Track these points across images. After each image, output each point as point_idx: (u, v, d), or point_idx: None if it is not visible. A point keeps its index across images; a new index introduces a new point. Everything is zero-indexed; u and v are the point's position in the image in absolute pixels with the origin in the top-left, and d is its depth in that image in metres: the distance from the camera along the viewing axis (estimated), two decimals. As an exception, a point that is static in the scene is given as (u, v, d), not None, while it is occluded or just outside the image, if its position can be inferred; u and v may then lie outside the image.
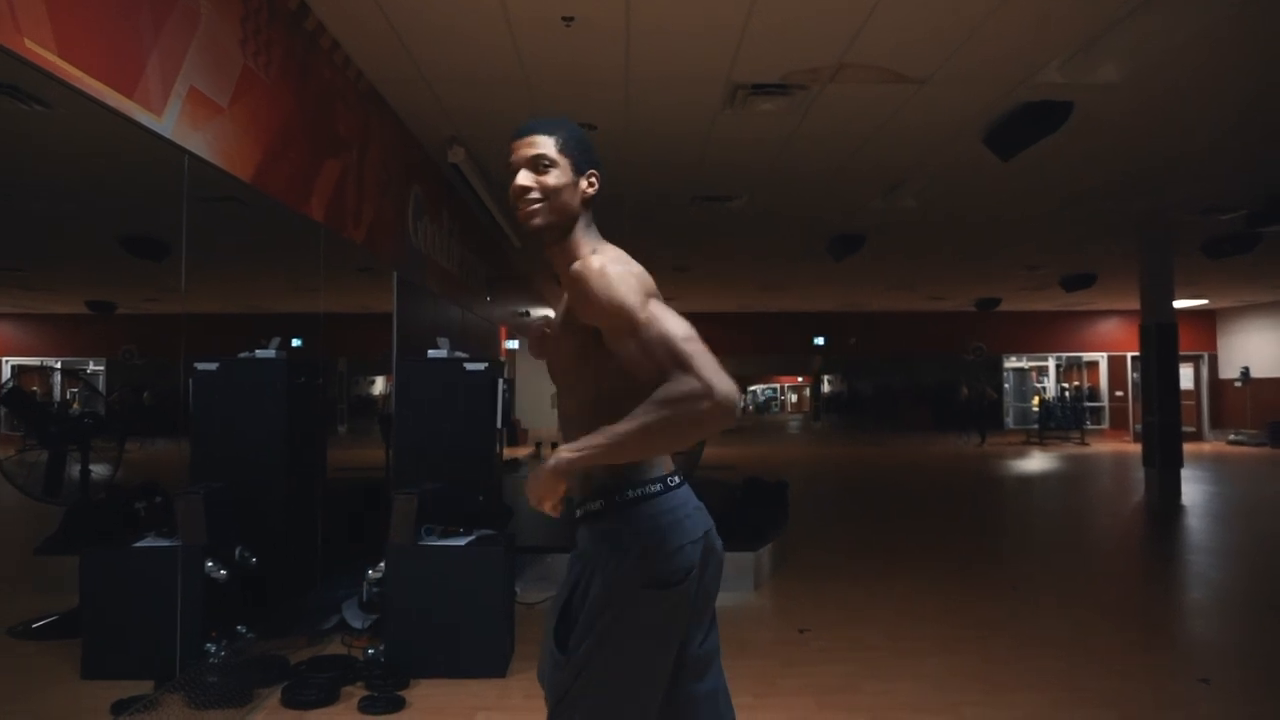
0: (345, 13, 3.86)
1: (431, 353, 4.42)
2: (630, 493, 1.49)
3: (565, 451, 1.39)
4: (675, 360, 1.35)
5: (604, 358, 1.47)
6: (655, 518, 1.48)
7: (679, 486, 1.54)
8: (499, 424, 4.38)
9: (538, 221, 1.55)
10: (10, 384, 4.60)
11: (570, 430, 1.57)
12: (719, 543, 1.57)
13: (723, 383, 1.32)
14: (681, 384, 1.32)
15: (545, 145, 1.56)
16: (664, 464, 1.55)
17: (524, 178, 1.55)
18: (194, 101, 2.78)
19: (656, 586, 1.46)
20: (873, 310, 17.98)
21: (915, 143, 5.90)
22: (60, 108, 4.06)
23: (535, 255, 10.79)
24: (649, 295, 1.43)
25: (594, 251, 1.52)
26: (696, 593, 1.50)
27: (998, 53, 4.31)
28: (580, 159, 1.61)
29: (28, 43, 1.99)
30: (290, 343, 4.90)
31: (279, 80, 3.47)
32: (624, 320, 1.40)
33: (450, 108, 5.20)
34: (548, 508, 1.45)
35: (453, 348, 4.57)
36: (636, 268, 1.48)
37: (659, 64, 4.50)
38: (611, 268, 1.44)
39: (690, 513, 1.53)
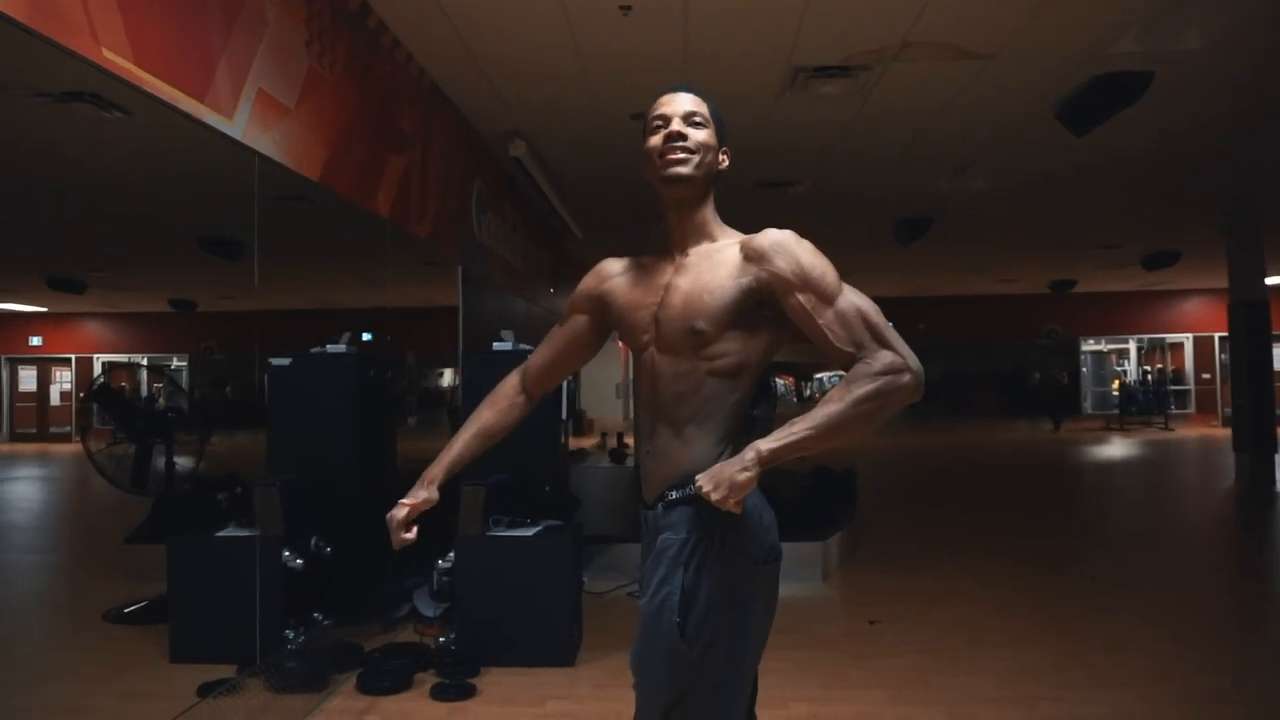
0: (405, 11, 3.91)
1: (496, 345, 4.47)
2: None
3: (765, 444, 1.36)
4: (874, 334, 1.38)
5: (764, 340, 1.50)
6: (749, 497, 1.45)
7: None
8: (564, 415, 4.41)
9: (686, 170, 1.54)
10: (101, 380, 4.81)
11: (694, 422, 1.51)
12: None
13: (914, 357, 1.36)
14: (883, 358, 1.35)
15: (699, 105, 1.59)
16: None
17: (679, 124, 1.56)
18: (262, 103, 2.85)
19: (768, 561, 1.50)
20: (942, 295, 17.55)
21: (983, 121, 5.71)
22: (138, 114, 4.21)
23: (598, 246, 10.83)
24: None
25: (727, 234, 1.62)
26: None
27: (1069, 23, 4.14)
28: (722, 131, 1.62)
29: (105, 52, 2.06)
30: (360, 337, 5.02)
31: (343, 79, 3.54)
32: (828, 286, 1.43)
33: (510, 102, 5.23)
34: (732, 504, 1.37)
35: (517, 340, 4.61)
36: None
37: (718, 49, 4.45)
38: (806, 242, 1.49)
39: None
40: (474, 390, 4.38)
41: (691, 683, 1.44)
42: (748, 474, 1.35)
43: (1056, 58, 4.57)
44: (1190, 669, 3.41)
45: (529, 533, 3.68)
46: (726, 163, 1.62)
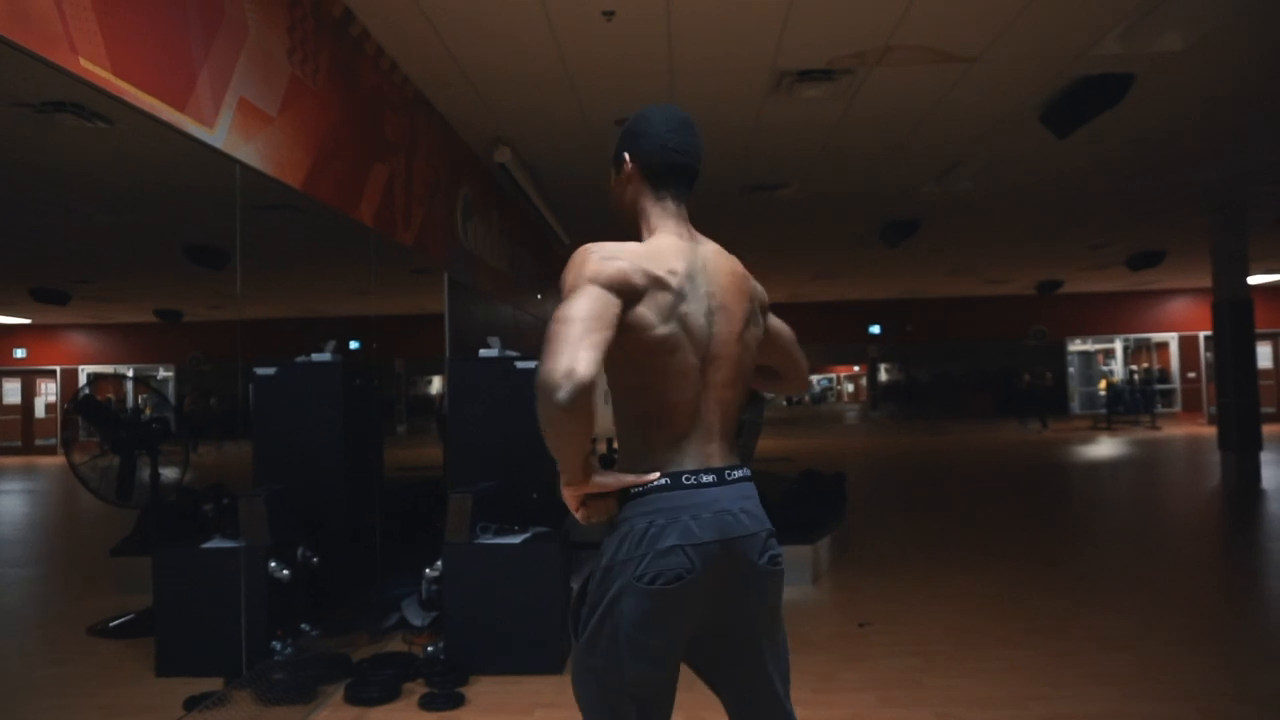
0: (389, 18, 3.90)
1: (483, 352, 4.46)
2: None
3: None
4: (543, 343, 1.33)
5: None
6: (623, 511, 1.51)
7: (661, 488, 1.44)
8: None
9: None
10: (85, 392, 4.77)
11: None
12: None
13: (550, 363, 1.26)
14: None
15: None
16: (673, 462, 1.46)
17: None
18: (244, 112, 2.84)
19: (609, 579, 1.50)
20: (929, 296, 17.63)
21: (968, 124, 5.74)
22: (120, 124, 4.19)
23: (585, 251, 10.83)
24: (588, 279, 1.36)
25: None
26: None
27: (1051, 26, 4.16)
28: (615, 156, 1.62)
29: (83, 61, 2.04)
30: (348, 345, 5.00)
31: (326, 87, 3.53)
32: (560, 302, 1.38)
33: (495, 108, 5.23)
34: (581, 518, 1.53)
35: (505, 346, 4.60)
36: (594, 258, 1.38)
37: (702, 54, 4.46)
38: (578, 254, 1.40)
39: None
40: (461, 398, 4.37)
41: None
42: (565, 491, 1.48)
43: (1039, 60, 4.60)
44: (1177, 667, 3.43)
45: (517, 540, 3.66)
46: (629, 167, 1.56)
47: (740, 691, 1.55)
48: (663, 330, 1.41)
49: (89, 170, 5.24)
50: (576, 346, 1.27)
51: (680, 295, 1.43)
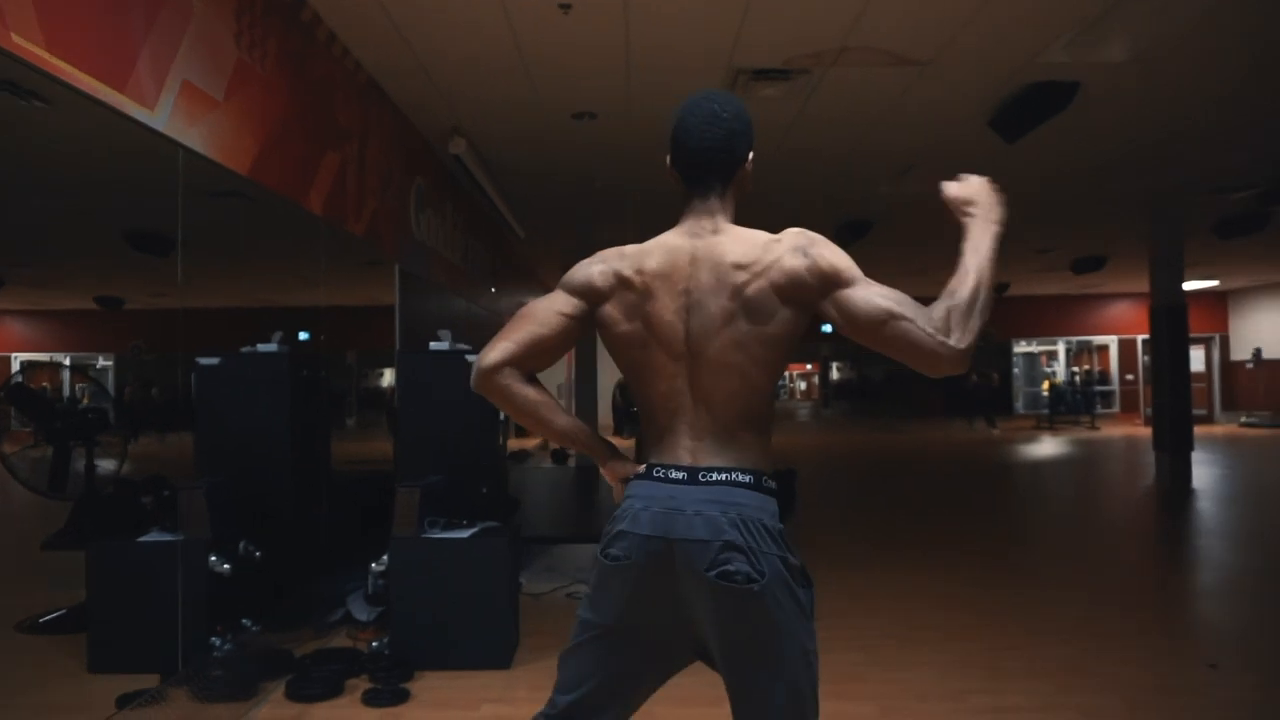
0: (340, 4, 3.83)
1: (434, 345, 4.41)
2: None
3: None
4: None
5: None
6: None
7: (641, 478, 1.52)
8: (502, 415, 4.37)
9: None
10: (15, 379, 4.61)
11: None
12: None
13: (482, 354, 1.48)
14: None
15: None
16: (654, 455, 1.52)
17: None
18: (188, 95, 2.77)
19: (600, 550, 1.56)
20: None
21: (921, 127, 5.84)
22: (58, 103, 4.05)
23: (541, 245, 10.77)
24: (560, 283, 1.57)
25: None
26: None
27: (1001, 32, 4.26)
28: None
29: (15, 37, 1.97)
30: (296, 336, 4.90)
31: (275, 73, 3.46)
32: None
33: (451, 98, 5.17)
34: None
35: (458, 340, 4.55)
36: (583, 262, 1.57)
37: (659, 50, 4.47)
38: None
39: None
40: (411, 391, 4.32)
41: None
42: None
43: (988, 66, 4.70)
44: (1107, 660, 3.54)
45: (465, 534, 3.64)
46: (668, 164, 1.62)
47: (734, 716, 1.52)
48: (626, 328, 1.50)
49: (24, 151, 5.05)
50: (500, 338, 1.50)
51: (646, 293, 1.48)
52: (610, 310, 1.51)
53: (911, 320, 1.38)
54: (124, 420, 5.79)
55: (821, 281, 1.44)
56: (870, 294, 1.44)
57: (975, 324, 1.38)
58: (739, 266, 1.45)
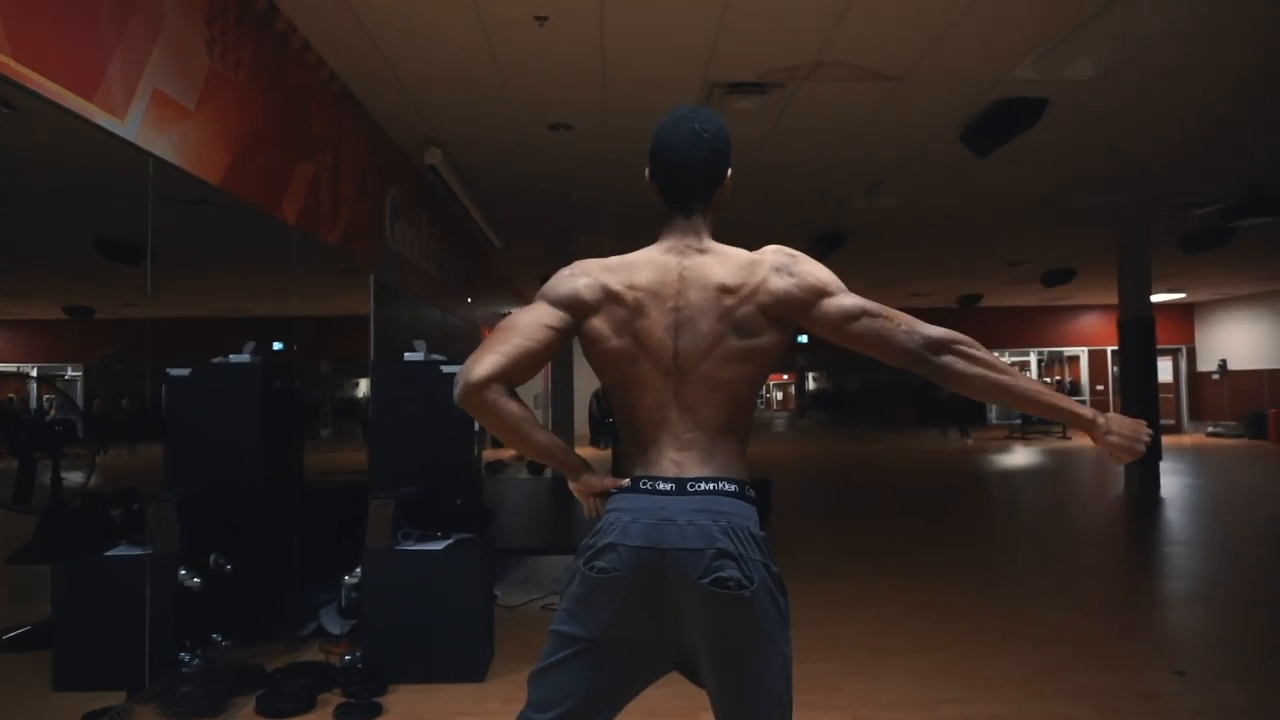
0: (315, 13, 3.82)
1: (408, 356, 4.39)
2: None
3: None
4: None
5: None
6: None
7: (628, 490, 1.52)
8: (477, 426, 4.35)
9: None
10: (-20, 391, 4.53)
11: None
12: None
13: (464, 363, 1.45)
14: None
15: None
16: (639, 468, 1.53)
17: None
18: (158, 104, 2.75)
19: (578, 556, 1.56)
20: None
21: (893, 141, 5.91)
22: (26, 110, 3.99)
23: (517, 256, 10.76)
24: (541, 294, 1.55)
25: None
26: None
27: (971, 50, 4.33)
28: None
29: (-18, 45, 1.95)
30: (270, 346, 4.85)
31: (248, 82, 3.44)
32: None
33: (426, 109, 5.16)
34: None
35: (433, 350, 4.53)
36: (564, 273, 1.56)
37: (634, 63, 4.49)
38: (562, 269, 1.58)
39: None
40: (385, 402, 4.30)
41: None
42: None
43: (959, 82, 4.77)
44: (1078, 668, 3.58)
45: (439, 546, 3.61)
46: (648, 180, 1.64)
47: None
48: (616, 343, 1.50)
49: (-8, 158, 4.98)
50: (485, 351, 1.44)
51: (637, 309, 1.50)
52: (597, 324, 1.51)
53: (889, 318, 1.51)
54: (93, 432, 5.70)
55: (812, 295, 1.52)
56: (854, 299, 1.54)
57: (971, 368, 1.52)
58: (726, 290, 1.50)
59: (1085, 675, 3.49)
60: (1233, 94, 5.08)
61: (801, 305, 1.51)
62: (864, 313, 1.50)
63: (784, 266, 1.51)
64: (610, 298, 1.50)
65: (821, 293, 1.51)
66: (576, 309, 1.50)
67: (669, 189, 1.58)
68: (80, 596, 3.36)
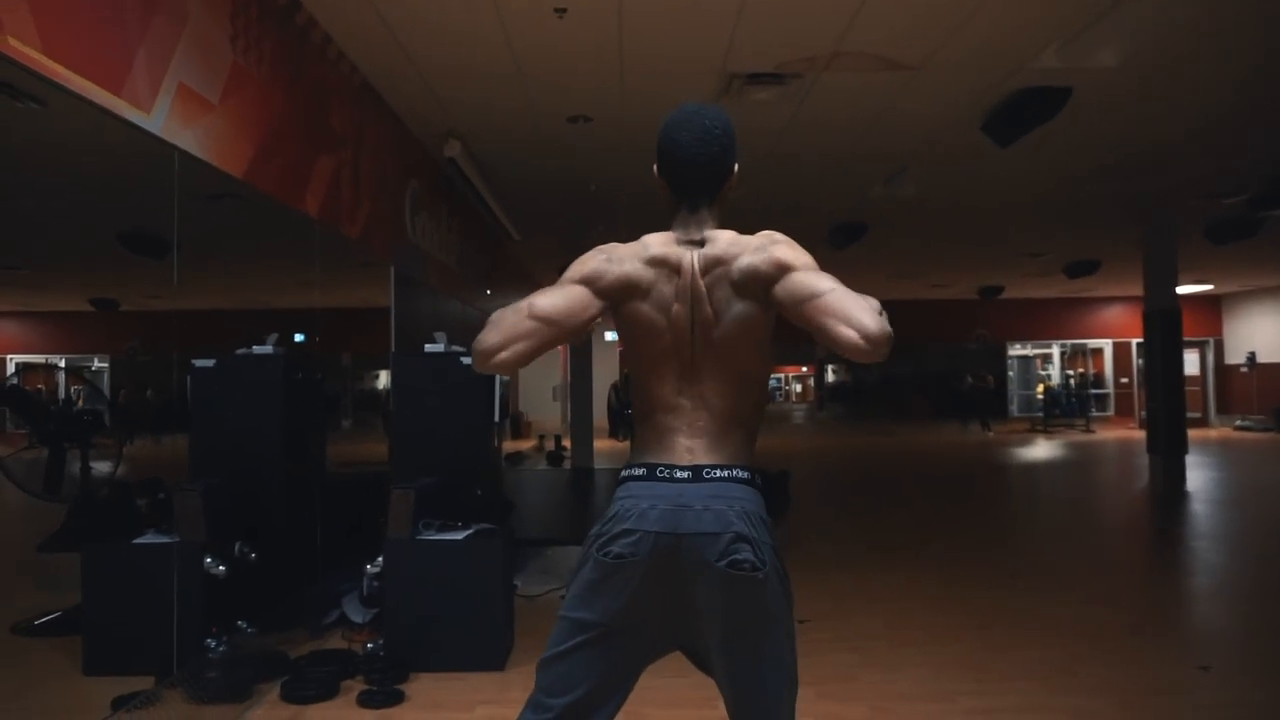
0: (335, 8, 3.85)
1: (428, 347, 4.42)
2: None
3: None
4: None
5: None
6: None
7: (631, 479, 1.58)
8: (496, 417, 4.38)
9: None
10: (10, 381, 4.62)
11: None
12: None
13: (480, 335, 1.52)
14: None
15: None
16: (652, 454, 1.57)
17: None
18: (183, 98, 2.78)
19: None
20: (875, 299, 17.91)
21: (913, 130, 5.87)
22: (54, 106, 4.05)
23: (534, 249, 10.79)
24: (566, 275, 1.58)
25: None
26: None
27: (992, 38, 4.28)
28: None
29: (11, 40, 1.99)
30: (291, 338, 4.91)
31: (270, 76, 3.47)
32: None
33: (445, 102, 5.19)
34: None
35: (452, 342, 4.57)
36: (590, 254, 1.59)
37: (653, 54, 4.49)
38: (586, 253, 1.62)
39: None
40: (405, 393, 4.33)
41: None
42: None
43: (980, 71, 4.72)
44: (1099, 661, 3.56)
45: (459, 536, 3.65)
46: (655, 176, 1.68)
47: (729, 703, 1.57)
48: (642, 329, 1.56)
49: (20, 153, 5.06)
50: (518, 335, 1.50)
51: (661, 297, 1.55)
52: (630, 309, 1.56)
53: (835, 313, 1.40)
54: (119, 422, 5.79)
55: (776, 269, 1.49)
56: (812, 277, 1.47)
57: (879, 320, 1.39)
58: (720, 262, 1.55)
59: (1107, 669, 3.47)
60: (1259, 81, 4.99)
61: (766, 280, 1.49)
62: (814, 295, 1.43)
63: (761, 245, 1.54)
64: (641, 284, 1.55)
65: (785, 268, 1.48)
66: (612, 295, 1.55)
67: (680, 184, 1.61)
68: (108, 584, 3.43)
